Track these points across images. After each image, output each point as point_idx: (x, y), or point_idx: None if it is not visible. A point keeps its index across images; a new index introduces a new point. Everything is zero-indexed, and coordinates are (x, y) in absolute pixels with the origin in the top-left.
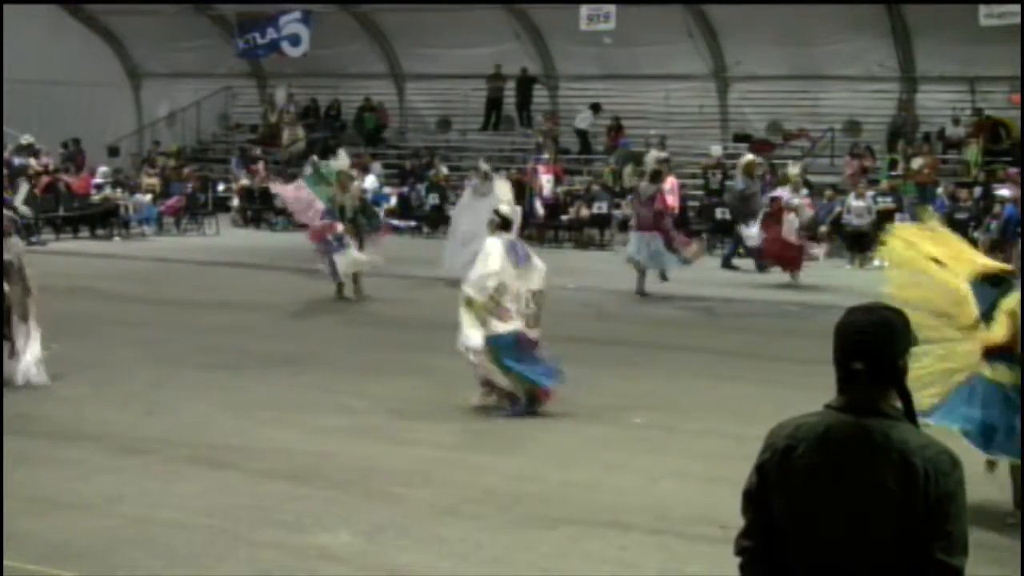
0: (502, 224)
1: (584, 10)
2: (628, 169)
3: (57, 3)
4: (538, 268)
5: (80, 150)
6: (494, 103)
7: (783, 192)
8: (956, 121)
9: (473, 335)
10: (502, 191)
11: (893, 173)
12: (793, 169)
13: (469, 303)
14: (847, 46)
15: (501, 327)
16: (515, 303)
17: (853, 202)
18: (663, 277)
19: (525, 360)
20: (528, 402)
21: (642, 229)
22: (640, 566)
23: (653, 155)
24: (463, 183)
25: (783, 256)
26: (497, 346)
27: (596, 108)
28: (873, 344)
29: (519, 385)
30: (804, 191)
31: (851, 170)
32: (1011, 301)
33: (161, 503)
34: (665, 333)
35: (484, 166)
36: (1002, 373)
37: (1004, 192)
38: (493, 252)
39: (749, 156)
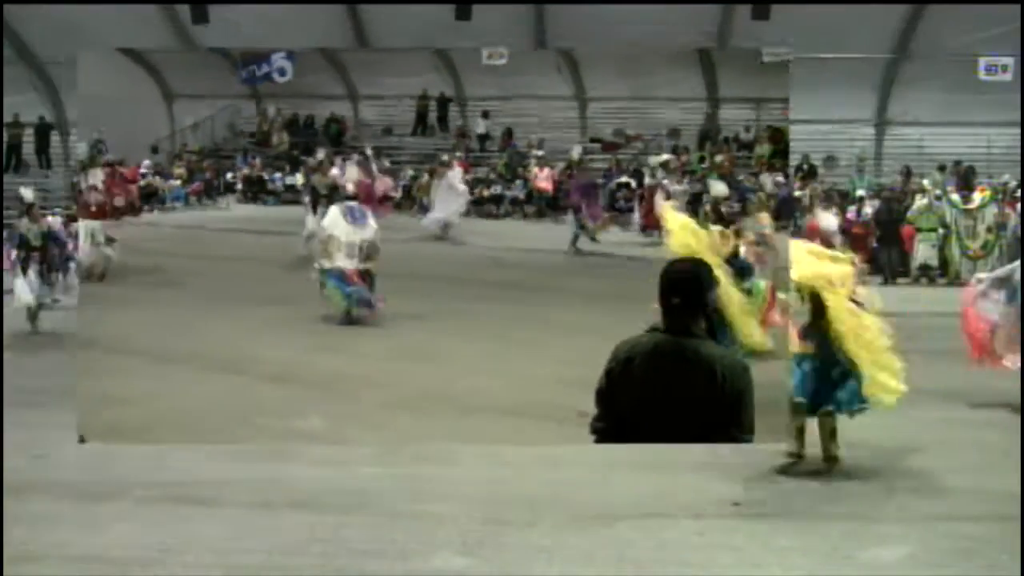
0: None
1: (485, 51)
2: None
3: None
4: (371, 226)
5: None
6: (421, 116)
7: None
8: (747, 129)
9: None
10: (349, 174)
11: (702, 166)
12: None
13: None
14: (670, 75)
15: (327, 263)
16: (347, 249)
17: (674, 186)
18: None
19: (342, 284)
20: (345, 317)
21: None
22: (532, 443)
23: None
24: (400, 173)
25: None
26: (324, 274)
27: (485, 115)
28: (686, 283)
29: (334, 302)
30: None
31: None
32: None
33: (190, 398)
34: (549, 278)
35: (444, 157)
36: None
37: (779, 179)
38: (331, 216)
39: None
